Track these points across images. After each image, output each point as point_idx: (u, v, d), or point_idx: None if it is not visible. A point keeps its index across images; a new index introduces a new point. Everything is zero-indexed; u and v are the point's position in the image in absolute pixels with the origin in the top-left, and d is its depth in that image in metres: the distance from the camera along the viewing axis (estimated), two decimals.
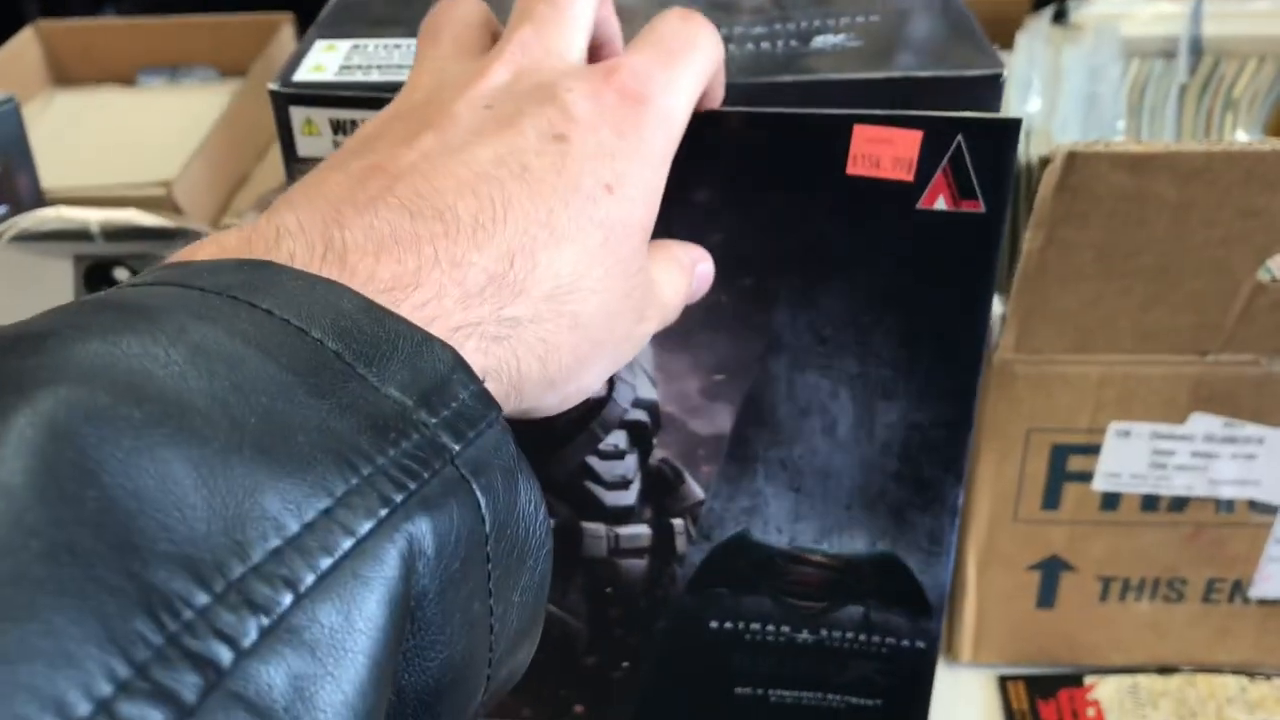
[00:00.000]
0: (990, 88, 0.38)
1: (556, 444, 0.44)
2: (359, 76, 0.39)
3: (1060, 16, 0.66)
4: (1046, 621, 0.58)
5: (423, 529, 0.22)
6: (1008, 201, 0.37)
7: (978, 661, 0.59)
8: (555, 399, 0.30)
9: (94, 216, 0.57)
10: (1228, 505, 0.54)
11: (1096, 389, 0.52)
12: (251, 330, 0.23)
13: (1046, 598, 0.57)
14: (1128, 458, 0.53)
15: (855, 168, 0.37)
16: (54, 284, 0.56)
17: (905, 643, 0.47)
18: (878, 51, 0.39)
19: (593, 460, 0.44)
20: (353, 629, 0.20)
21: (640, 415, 0.43)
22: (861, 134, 0.36)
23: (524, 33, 0.32)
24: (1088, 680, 0.58)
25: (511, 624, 0.26)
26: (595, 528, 0.45)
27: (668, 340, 0.41)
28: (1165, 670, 0.58)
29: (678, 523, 0.45)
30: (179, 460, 0.19)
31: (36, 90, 0.96)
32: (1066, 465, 0.54)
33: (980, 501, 0.55)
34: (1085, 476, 0.54)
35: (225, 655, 0.18)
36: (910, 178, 0.37)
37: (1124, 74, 0.61)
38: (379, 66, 0.40)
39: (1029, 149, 0.58)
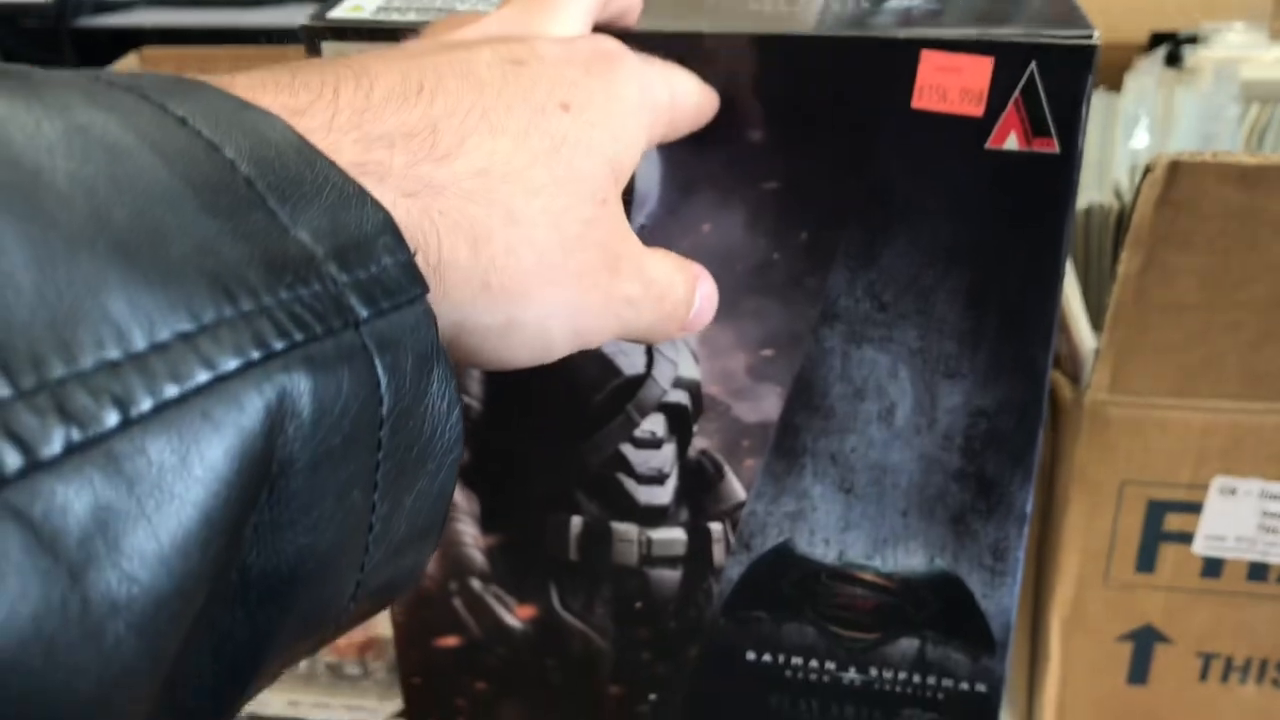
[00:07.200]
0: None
1: (589, 427, 0.40)
2: (395, 17, 0.37)
3: (1174, 59, 0.62)
4: (1138, 700, 0.53)
5: (301, 387, 0.19)
6: (1081, 142, 0.34)
7: None
8: (496, 319, 0.26)
9: None
10: None
11: (1200, 438, 0.47)
12: (154, 131, 0.19)
13: (1139, 673, 0.52)
14: (1233, 519, 0.48)
15: (921, 100, 0.34)
16: None
17: (964, 686, 0.42)
18: (956, 16, 0.36)
19: (627, 449, 0.40)
20: (187, 474, 0.17)
21: (681, 397, 0.40)
22: (930, 61, 0.33)
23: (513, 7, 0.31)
24: None
25: (399, 530, 0.23)
26: (626, 529, 0.42)
27: None
28: None
29: (715, 528, 0.41)
30: (13, 234, 0.16)
31: None
32: (1164, 524, 0.49)
33: (1067, 560, 0.50)
34: (1185, 538, 0.49)
35: (11, 460, 0.15)
36: (980, 112, 0.33)
37: (1242, 117, 0.57)
38: (416, 9, 0.38)
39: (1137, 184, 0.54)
